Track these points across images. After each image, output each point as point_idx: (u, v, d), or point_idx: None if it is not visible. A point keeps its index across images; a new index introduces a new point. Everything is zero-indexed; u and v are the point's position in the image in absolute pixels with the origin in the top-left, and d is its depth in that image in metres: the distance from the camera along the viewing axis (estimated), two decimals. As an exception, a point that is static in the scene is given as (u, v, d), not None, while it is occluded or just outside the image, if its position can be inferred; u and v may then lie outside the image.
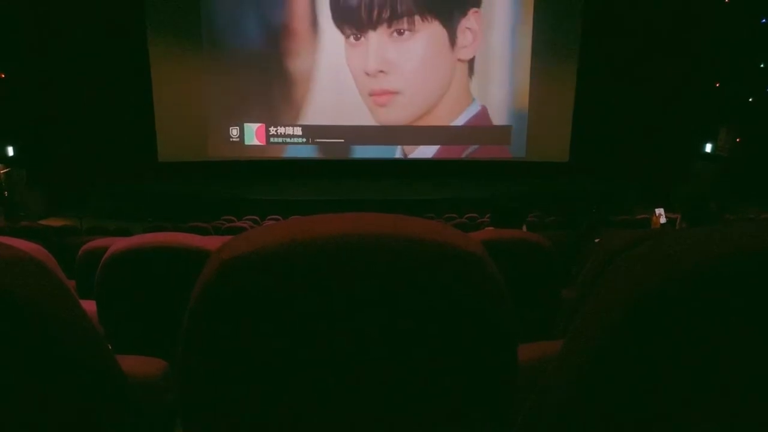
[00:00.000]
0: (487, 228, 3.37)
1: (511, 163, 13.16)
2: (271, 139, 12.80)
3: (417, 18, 12.13)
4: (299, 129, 12.75)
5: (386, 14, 12.07)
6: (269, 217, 8.97)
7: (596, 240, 3.10)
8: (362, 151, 13.00)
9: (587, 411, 0.54)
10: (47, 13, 11.45)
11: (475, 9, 12.36)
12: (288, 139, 12.81)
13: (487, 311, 0.62)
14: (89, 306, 1.72)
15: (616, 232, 3.82)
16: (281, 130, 12.76)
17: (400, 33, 12.17)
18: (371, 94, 12.44)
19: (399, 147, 13.03)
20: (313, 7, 12.24)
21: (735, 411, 0.49)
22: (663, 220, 6.30)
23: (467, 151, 13.14)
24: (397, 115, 12.64)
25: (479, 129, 12.97)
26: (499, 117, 13.00)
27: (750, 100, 12.31)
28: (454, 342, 0.62)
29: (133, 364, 1.15)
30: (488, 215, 6.79)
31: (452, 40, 12.39)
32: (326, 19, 12.24)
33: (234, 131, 12.74)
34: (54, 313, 0.61)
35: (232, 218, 8.96)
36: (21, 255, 0.62)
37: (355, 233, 0.59)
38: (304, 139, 12.79)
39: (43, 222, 9.67)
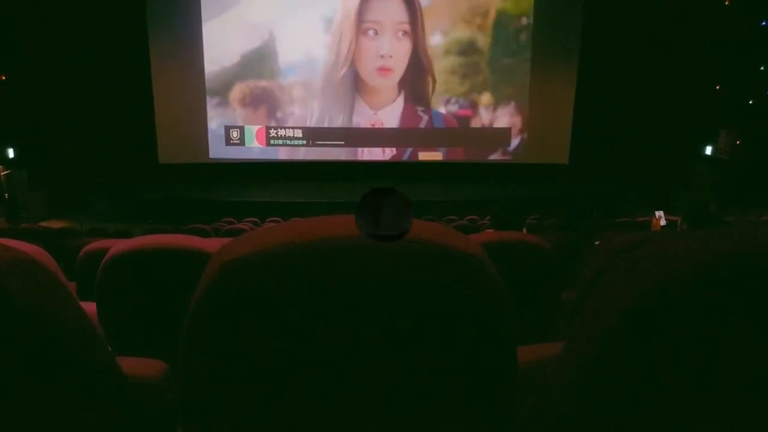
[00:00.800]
0: (487, 230, 3.38)
1: (510, 166, 13.16)
2: (272, 141, 12.80)
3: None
4: (300, 131, 12.75)
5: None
6: (269, 219, 8.96)
7: (596, 242, 3.11)
8: (362, 154, 13.00)
9: (587, 411, 0.54)
10: (47, 13, 11.44)
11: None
12: (288, 141, 12.81)
13: (487, 312, 0.62)
14: (90, 307, 1.72)
15: (616, 233, 3.83)
16: (282, 132, 12.76)
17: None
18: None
19: (399, 149, 13.03)
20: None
21: (735, 411, 0.49)
22: (663, 222, 6.30)
23: (469, 154, 13.16)
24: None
25: (479, 131, 12.98)
26: (499, 119, 13.01)
27: (750, 102, 12.30)
28: (454, 343, 0.62)
29: (133, 365, 1.15)
30: (488, 217, 6.79)
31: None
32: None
33: (234, 133, 12.73)
34: (54, 314, 0.61)
35: (233, 220, 8.95)
36: (21, 256, 0.62)
37: (354, 235, 0.59)
38: (305, 141, 12.80)
39: (44, 224, 9.65)
